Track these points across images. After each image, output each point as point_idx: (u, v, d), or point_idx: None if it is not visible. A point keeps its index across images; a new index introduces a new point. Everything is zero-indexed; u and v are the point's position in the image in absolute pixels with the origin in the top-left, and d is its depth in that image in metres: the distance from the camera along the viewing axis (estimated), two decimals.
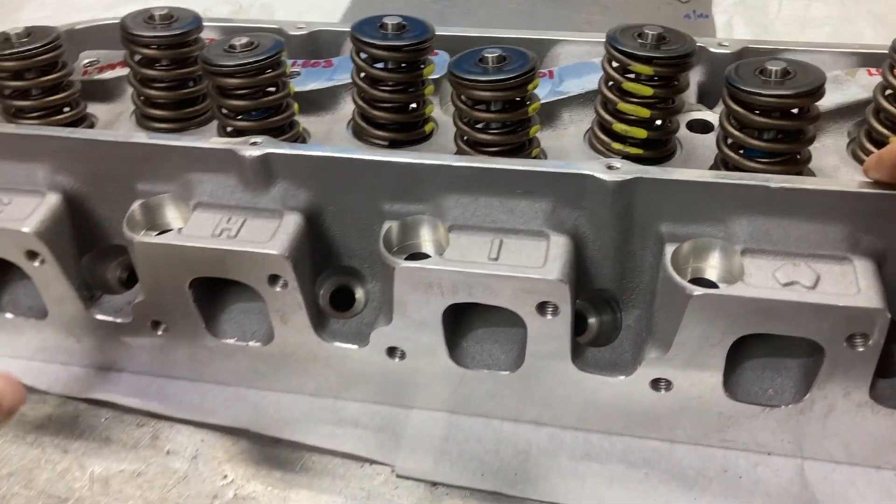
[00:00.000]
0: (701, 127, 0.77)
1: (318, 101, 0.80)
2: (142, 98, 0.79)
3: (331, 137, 0.77)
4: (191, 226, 0.68)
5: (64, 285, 0.72)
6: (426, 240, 0.67)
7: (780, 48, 0.81)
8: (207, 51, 0.72)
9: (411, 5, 1.41)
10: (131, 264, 0.79)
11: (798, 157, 0.67)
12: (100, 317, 0.75)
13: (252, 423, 0.75)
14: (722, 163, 0.69)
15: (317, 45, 0.90)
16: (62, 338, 0.78)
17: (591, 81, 0.78)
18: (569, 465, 0.70)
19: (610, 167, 0.62)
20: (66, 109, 0.79)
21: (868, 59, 0.79)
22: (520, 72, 0.66)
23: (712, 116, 0.78)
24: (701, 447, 0.71)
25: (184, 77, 0.77)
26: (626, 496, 0.68)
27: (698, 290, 0.59)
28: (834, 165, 0.69)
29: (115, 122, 0.82)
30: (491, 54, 0.67)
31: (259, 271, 0.66)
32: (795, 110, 0.64)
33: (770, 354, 0.67)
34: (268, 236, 0.66)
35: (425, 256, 0.66)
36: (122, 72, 0.85)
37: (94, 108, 0.82)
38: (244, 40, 0.71)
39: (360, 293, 0.76)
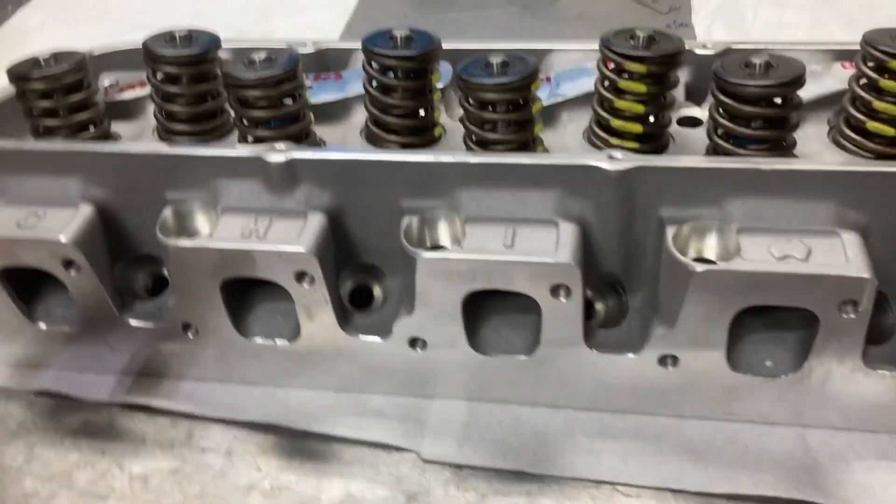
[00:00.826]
0: (690, 122, 0.82)
1: (331, 112, 0.85)
2: (163, 113, 0.83)
3: (346, 144, 0.81)
4: (221, 229, 0.72)
5: (98, 293, 0.76)
6: (444, 232, 0.71)
7: (759, 48, 0.87)
8: (229, 66, 0.76)
9: (404, 25, 1.47)
10: (157, 272, 0.84)
11: (784, 143, 0.72)
12: (133, 322, 0.79)
13: (282, 418, 0.79)
14: (713, 151, 0.74)
15: (324, 62, 0.94)
16: (95, 346, 0.81)
17: (586, 84, 0.83)
18: (585, 442, 0.75)
19: (611, 158, 0.67)
20: (91, 128, 0.83)
21: (841, 55, 0.84)
22: (523, 74, 0.71)
23: (700, 112, 0.84)
24: (708, 421, 0.75)
25: (204, 92, 0.82)
26: (640, 469, 0.72)
27: (700, 267, 0.64)
28: (817, 150, 0.75)
29: (139, 138, 0.86)
30: (495, 59, 0.72)
31: (287, 269, 0.70)
32: (779, 99, 0.69)
33: (767, 329, 0.72)
34: (294, 235, 0.70)
35: (443, 248, 0.71)
36: (142, 92, 0.90)
37: (116, 127, 0.87)
38: (263, 55, 0.76)
39: (377, 290, 0.81)
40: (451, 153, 0.69)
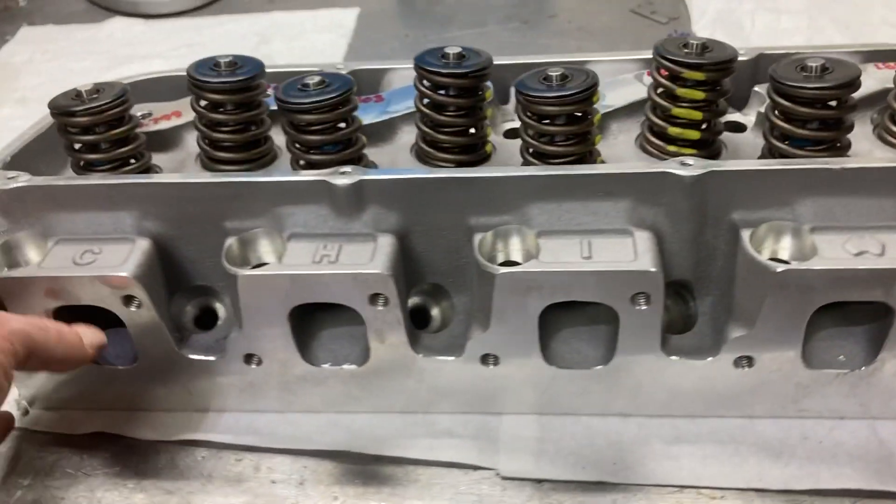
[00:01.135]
0: (734, 127, 0.84)
1: (377, 134, 0.84)
2: (207, 142, 0.82)
3: (397, 165, 0.81)
4: (290, 256, 0.71)
5: (157, 328, 0.74)
6: (516, 247, 0.71)
7: (791, 52, 0.89)
8: (281, 90, 0.75)
9: (406, 45, 1.47)
10: (207, 304, 0.82)
11: (838, 144, 0.74)
12: (193, 356, 0.77)
13: (351, 444, 0.78)
14: (769, 153, 0.75)
15: (358, 84, 0.94)
16: (150, 383, 0.79)
17: (631, 94, 0.84)
18: (662, 449, 0.75)
19: (683, 164, 0.68)
20: (133, 161, 0.81)
21: (874, 56, 0.87)
22: (584, 87, 0.71)
23: (742, 117, 0.86)
24: (779, 419, 0.76)
25: (250, 120, 0.81)
26: (720, 471, 0.72)
27: (780, 267, 0.65)
28: (867, 149, 0.77)
29: (181, 168, 0.84)
30: (554, 73, 0.73)
31: (362, 291, 0.69)
32: (836, 101, 0.71)
33: (837, 324, 0.73)
34: (367, 258, 0.70)
35: (514, 263, 0.71)
36: (178, 121, 0.88)
37: (153, 158, 0.85)
38: (317, 79, 0.75)
39: (435, 311, 0.80)
40: (520, 168, 0.70)
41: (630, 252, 0.67)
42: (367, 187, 0.70)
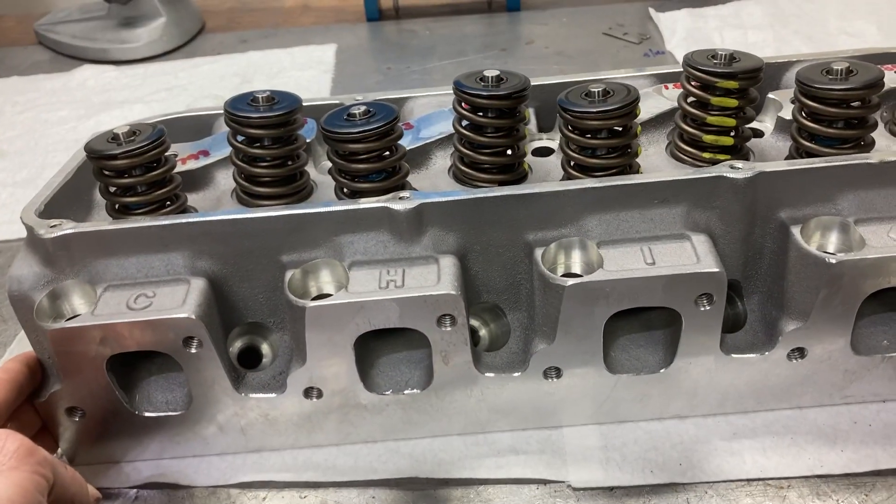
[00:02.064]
0: (753, 133, 0.88)
1: (412, 160, 0.85)
2: (244, 177, 0.81)
3: (439, 189, 0.82)
4: (355, 283, 0.71)
5: (217, 368, 0.73)
6: (576, 259, 0.73)
7: (792, 60, 0.94)
8: (325, 121, 0.76)
9: (390, 77, 1.49)
10: (252, 343, 0.81)
11: (863, 142, 0.78)
12: (252, 395, 0.75)
13: (416, 470, 0.77)
14: (796, 153, 0.79)
15: None
16: (202, 426, 0.77)
17: (655, 107, 0.87)
18: (723, 445, 0.77)
19: (733, 167, 0.71)
20: (169, 203, 0.80)
21: (867, 60, 0.92)
22: (628, 101, 0.74)
23: (758, 124, 0.90)
24: (826, 407, 0.79)
25: (289, 154, 0.81)
26: (782, 461, 0.75)
27: (834, 258, 0.68)
28: (885, 144, 0.81)
29: (217, 207, 0.83)
30: (596, 88, 0.75)
31: (431, 314, 0.69)
32: (861, 101, 0.75)
33: (878, 311, 0.77)
34: (433, 280, 0.70)
35: (576, 275, 0.72)
36: (206, 160, 0.87)
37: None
38: (362, 108, 0.76)
39: (483, 331, 0.81)
40: (580, 181, 0.71)
41: (691, 255, 0.70)
42: (427, 210, 0.71)
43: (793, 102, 0.78)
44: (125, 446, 0.79)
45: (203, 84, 1.51)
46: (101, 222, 0.73)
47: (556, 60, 1.47)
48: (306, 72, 1.51)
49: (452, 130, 0.81)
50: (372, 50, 1.62)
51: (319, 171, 0.87)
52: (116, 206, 0.79)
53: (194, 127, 0.96)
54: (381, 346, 0.79)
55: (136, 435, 0.78)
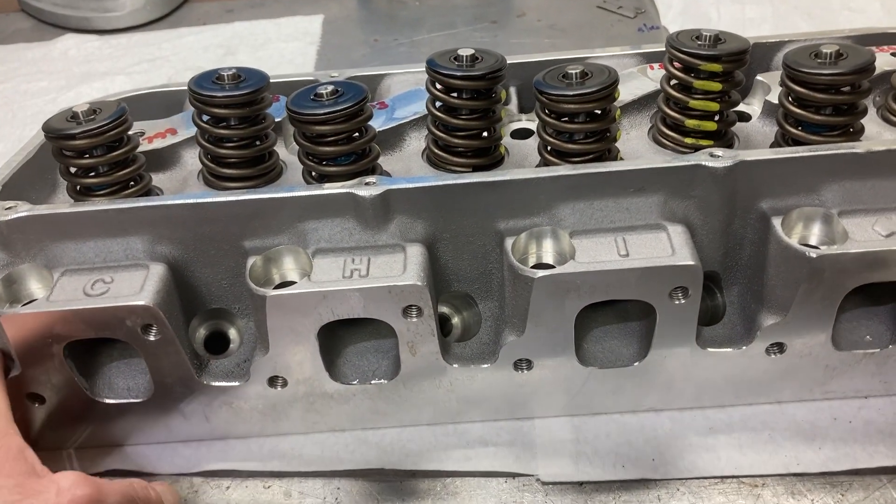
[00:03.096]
0: (739, 116, 0.84)
1: (385, 142, 0.82)
2: (210, 158, 0.79)
3: (412, 172, 0.79)
4: (318, 272, 0.68)
5: (178, 355, 0.71)
6: (548, 249, 0.70)
7: (784, 40, 0.91)
8: (291, 101, 0.73)
9: (376, 50, 1.45)
10: (218, 328, 0.79)
11: (852, 129, 0.75)
12: (214, 383, 0.73)
13: (383, 461, 0.76)
14: (783, 140, 0.76)
15: None
16: (165, 414, 0.76)
17: (639, 88, 0.84)
18: (698, 440, 0.75)
19: (713, 155, 0.68)
20: (133, 183, 0.77)
21: (866, 40, 0.89)
22: (606, 83, 0.71)
23: (746, 107, 0.86)
24: (806, 402, 0.77)
25: (256, 134, 0.78)
26: (758, 458, 0.73)
27: (817, 253, 0.65)
28: (876, 131, 0.78)
29: (183, 188, 0.81)
30: (574, 70, 0.72)
31: (395, 304, 0.67)
32: (850, 86, 0.72)
33: (860, 305, 0.75)
34: (399, 270, 0.68)
35: (547, 266, 0.70)
36: (174, 139, 0.84)
37: (153, 179, 0.81)
38: (330, 88, 0.73)
39: (456, 319, 0.79)
40: (553, 168, 0.69)
41: (667, 247, 0.67)
42: (393, 197, 0.68)
43: (781, 86, 0.75)
44: (87, 433, 0.77)
45: (186, 56, 1.47)
46: (57, 205, 0.70)
47: (548, 34, 1.43)
48: (291, 43, 1.47)
49: None
50: (360, 21, 1.58)
51: (290, 152, 0.84)
52: (78, 188, 0.77)
53: (165, 103, 0.93)
54: (348, 335, 0.76)
55: (98, 421, 0.76)
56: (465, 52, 0.75)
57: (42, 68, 1.49)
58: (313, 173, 0.76)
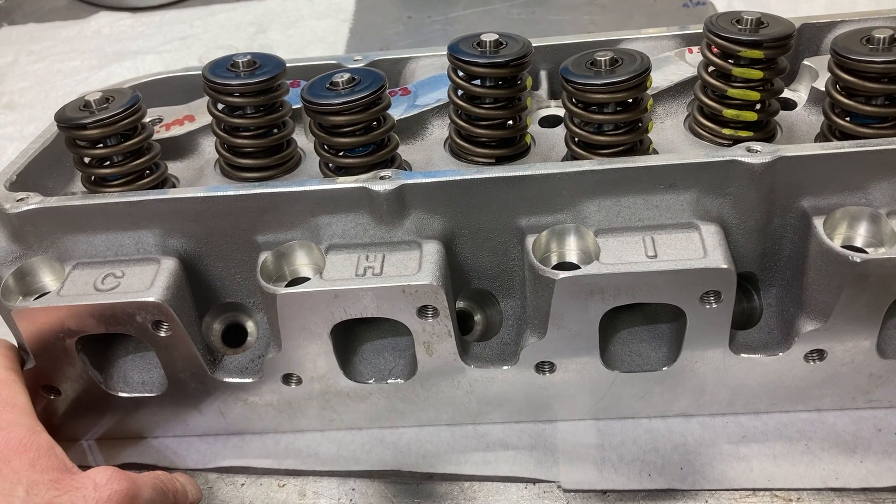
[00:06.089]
0: (783, 104, 0.79)
1: (406, 130, 0.79)
2: (226, 147, 0.76)
3: (433, 163, 0.76)
4: (330, 269, 0.66)
5: (190, 351, 0.69)
6: (571, 248, 0.67)
7: (836, 20, 0.85)
8: (307, 90, 0.70)
9: (410, 28, 1.41)
10: (236, 320, 0.77)
11: None
12: (227, 379, 0.72)
13: (399, 463, 0.73)
14: (829, 132, 0.71)
15: None
16: (181, 408, 0.75)
17: (675, 74, 0.79)
18: (729, 449, 0.71)
19: (750, 150, 0.63)
20: (148, 173, 0.76)
21: None
22: (637, 72, 0.66)
23: (791, 93, 0.81)
24: (849, 411, 0.72)
25: (273, 123, 0.75)
26: (794, 471, 0.69)
27: (859, 257, 0.60)
28: None
29: (199, 178, 0.79)
30: (602, 57, 0.68)
31: (410, 304, 0.64)
32: None
33: None
34: (414, 268, 0.65)
35: (570, 265, 0.66)
36: (192, 126, 0.83)
37: (169, 168, 0.79)
38: (346, 76, 0.70)
39: (478, 316, 0.76)
40: (577, 163, 0.65)
41: (698, 248, 0.63)
42: (409, 192, 0.65)
43: (829, 73, 0.70)
44: (104, 425, 0.77)
45: (218, 34, 1.46)
46: (67, 197, 0.69)
47: (588, 10, 1.37)
48: (323, 21, 1.44)
49: None
50: None
51: (310, 140, 0.82)
52: (91, 178, 0.75)
53: (186, 87, 0.91)
54: (364, 331, 0.74)
55: (115, 414, 0.75)
56: (489, 37, 0.71)
57: (75, 47, 1.49)
58: (330, 164, 0.73)
